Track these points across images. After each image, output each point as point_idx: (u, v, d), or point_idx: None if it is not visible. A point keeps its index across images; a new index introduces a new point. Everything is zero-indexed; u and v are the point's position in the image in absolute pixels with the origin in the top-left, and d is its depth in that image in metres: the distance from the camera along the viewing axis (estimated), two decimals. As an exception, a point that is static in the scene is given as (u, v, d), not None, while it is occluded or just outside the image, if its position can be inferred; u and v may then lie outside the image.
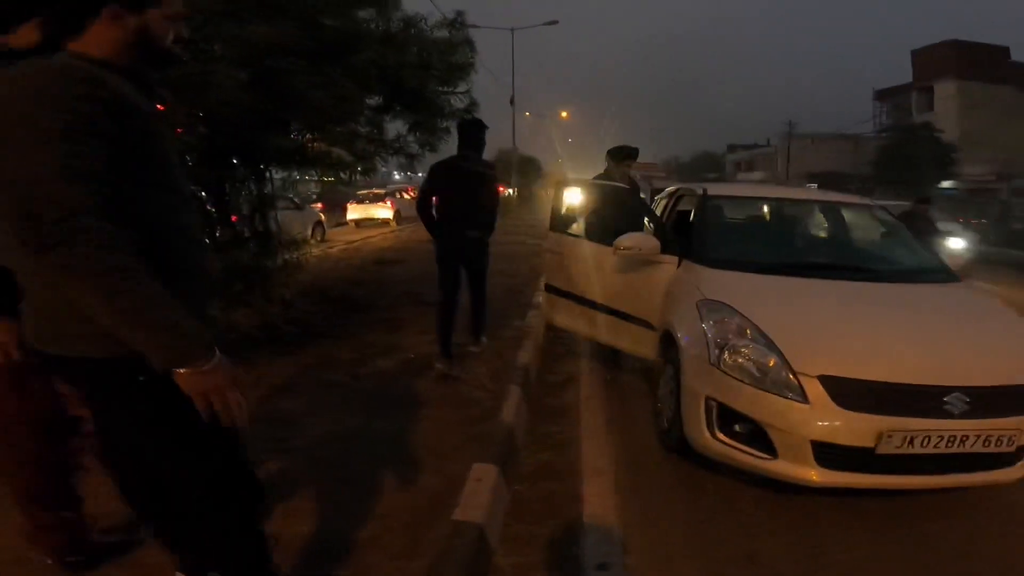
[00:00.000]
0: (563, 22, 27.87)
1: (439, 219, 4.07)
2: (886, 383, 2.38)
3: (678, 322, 3.09)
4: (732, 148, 62.10)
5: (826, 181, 32.88)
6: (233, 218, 4.80)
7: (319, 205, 16.93)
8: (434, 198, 4.07)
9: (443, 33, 5.65)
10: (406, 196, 21.73)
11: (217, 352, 1.20)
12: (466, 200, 4.00)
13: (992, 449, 2.38)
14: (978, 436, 2.34)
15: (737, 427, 2.58)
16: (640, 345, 3.73)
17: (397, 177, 38.16)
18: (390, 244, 13.13)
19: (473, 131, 4.10)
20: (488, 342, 4.53)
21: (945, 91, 35.10)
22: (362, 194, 20.33)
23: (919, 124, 32.54)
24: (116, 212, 1.10)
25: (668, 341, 3.18)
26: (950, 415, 2.33)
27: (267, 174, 4.96)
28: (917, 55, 37.87)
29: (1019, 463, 2.49)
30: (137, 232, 1.15)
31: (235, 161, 4.59)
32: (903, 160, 29.80)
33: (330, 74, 3.97)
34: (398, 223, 19.82)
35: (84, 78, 1.11)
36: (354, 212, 19.76)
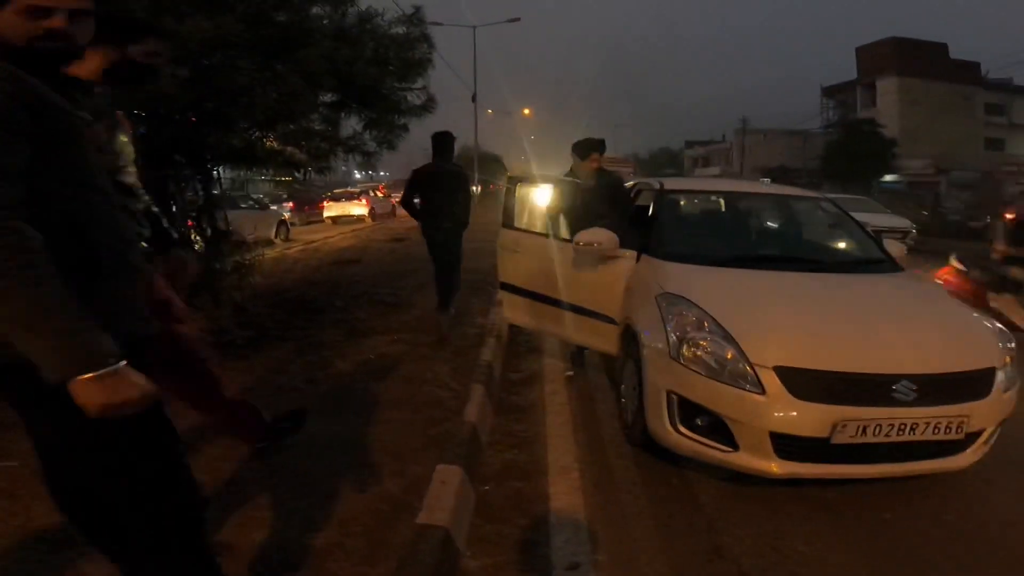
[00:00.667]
0: (525, 20, 27.88)
1: (422, 214, 5.01)
2: (838, 372, 2.43)
3: (638, 316, 3.11)
4: (690, 144, 63.06)
5: (778, 176, 33.84)
6: (189, 222, 4.62)
7: (290, 204, 17.07)
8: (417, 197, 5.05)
9: (400, 29, 5.55)
10: (379, 194, 23.41)
11: (122, 364, 1.13)
12: (441, 199, 4.91)
13: (941, 436, 2.44)
14: (927, 424, 2.40)
15: (698, 420, 2.60)
16: (602, 340, 3.74)
17: (358, 176, 37.56)
18: (349, 244, 12.92)
19: (445, 141, 5.00)
20: (454, 312, 5.13)
21: (887, 87, 36.30)
22: (338, 192, 21.62)
23: (863, 119, 33.60)
24: (36, 210, 1.07)
25: (629, 336, 3.20)
26: (900, 403, 2.39)
27: (215, 173, 4.78)
28: (861, 52, 39.14)
29: (968, 449, 2.57)
30: (61, 230, 1.12)
31: (181, 160, 4.40)
32: (848, 155, 30.79)
33: (277, 70, 3.84)
34: (373, 219, 20.61)
35: (4, 76, 1.08)
36: (331, 209, 20.62)
